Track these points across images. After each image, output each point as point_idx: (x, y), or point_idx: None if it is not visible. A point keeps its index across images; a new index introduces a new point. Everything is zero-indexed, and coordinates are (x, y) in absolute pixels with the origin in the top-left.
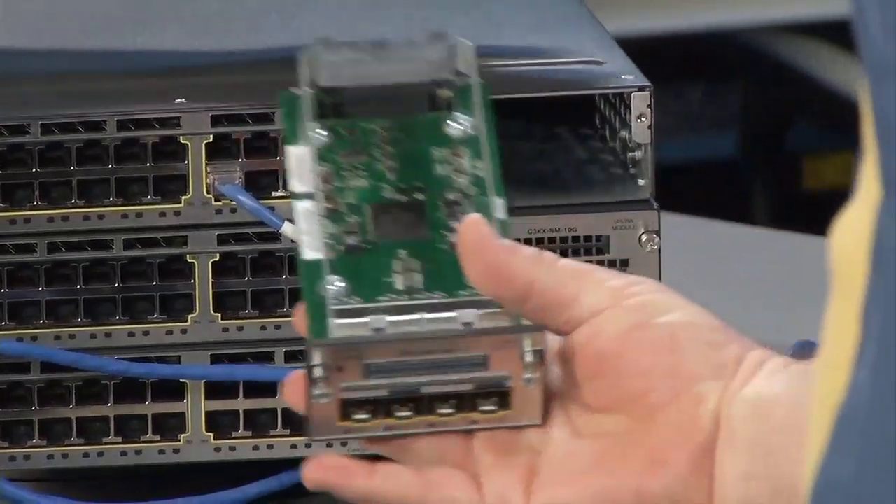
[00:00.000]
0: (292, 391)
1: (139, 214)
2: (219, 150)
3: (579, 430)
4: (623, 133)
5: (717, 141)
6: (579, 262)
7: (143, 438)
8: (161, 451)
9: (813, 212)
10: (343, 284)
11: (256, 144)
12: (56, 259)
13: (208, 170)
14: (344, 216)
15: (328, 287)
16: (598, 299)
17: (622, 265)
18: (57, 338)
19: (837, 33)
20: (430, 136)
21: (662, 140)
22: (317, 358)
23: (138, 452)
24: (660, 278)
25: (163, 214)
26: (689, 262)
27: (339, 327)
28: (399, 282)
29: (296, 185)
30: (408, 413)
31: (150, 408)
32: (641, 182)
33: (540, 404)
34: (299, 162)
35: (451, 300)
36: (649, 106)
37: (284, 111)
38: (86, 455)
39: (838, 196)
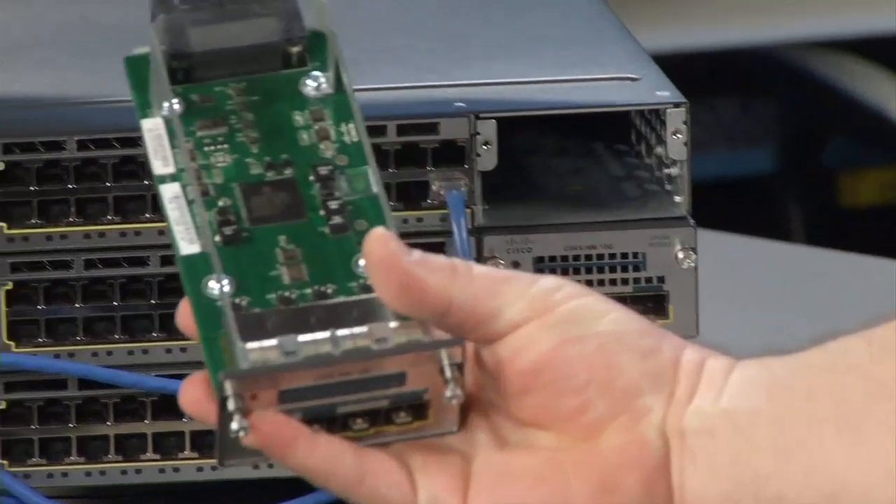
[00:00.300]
0: (193, 397)
1: None
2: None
3: (507, 440)
4: (659, 149)
5: (752, 157)
6: (495, 268)
7: (180, 455)
8: (199, 469)
9: (849, 228)
10: (227, 283)
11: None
12: (93, 275)
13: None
14: (214, 200)
15: (210, 288)
16: (520, 311)
17: (658, 282)
18: (94, 354)
19: (873, 49)
20: (289, 99)
21: (697, 155)
22: (229, 389)
23: (176, 469)
24: (696, 295)
25: None
26: (725, 278)
27: (250, 352)
28: (285, 275)
29: (158, 167)
30: (321, 429)
31: (187, 425)
32: (678, 199)
33: (457, 413)
34: (157, 138)
35: (348, 299)
36: (685, 122)
37: (132, 79)
38: (123, 472)
39: (874, 213)
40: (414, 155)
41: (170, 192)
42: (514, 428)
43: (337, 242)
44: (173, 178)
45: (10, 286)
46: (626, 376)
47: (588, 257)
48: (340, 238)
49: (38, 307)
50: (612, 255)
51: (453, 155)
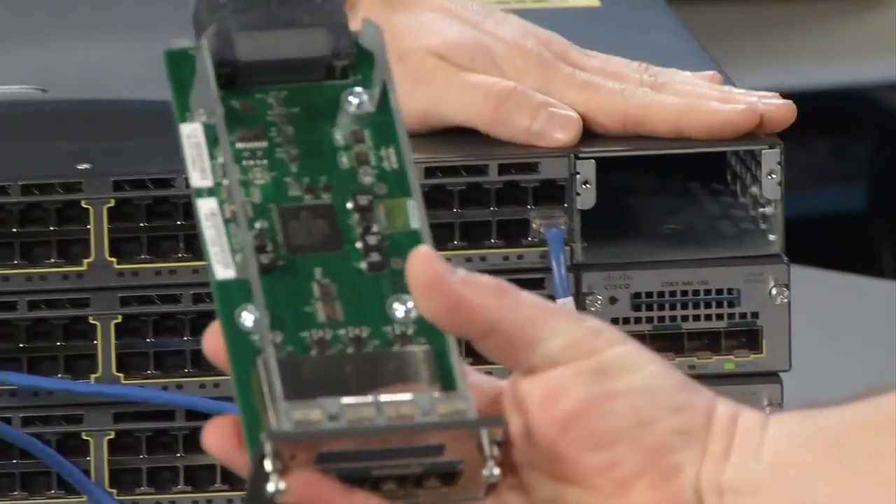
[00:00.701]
0: (220, 440)
1: None
2: None
3: (536, 497)
4: (754, 189)
5: (845, 195)
6: (543, 299)
7: None
8: None
9: None
10: (264, 317)
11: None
12: (200, 309)
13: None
14: (251, 221)
15: (244, 319)
16: (561, 348)
17: (753, 317)
18: (201, 386)
19: None
20: (330, 114)
21: (791, 193)
22: (269, 449)
23: None
24: (789, 331)
25: None
26: (818, 314)
27: (294, 413)
28: (320, 311)
29: (196, 179)
30: (353, 488)
31: None
32: (772, 237)
33: (484, 482)
34: (196, 146)
35: (384, 352)
36: (779, 163)
37: (172, 78)
38: (230, 501)
39: None
40: (515, 194)
41: (206, 208)
42: (542, 483)
43: (373, 281)
44: (210, 192)
45: (119, 319)
46: (656, 433)
47: (684, 293)
48: (377, 276)
49: (147, 340)
50: (708, 292)
51: (553, 193)
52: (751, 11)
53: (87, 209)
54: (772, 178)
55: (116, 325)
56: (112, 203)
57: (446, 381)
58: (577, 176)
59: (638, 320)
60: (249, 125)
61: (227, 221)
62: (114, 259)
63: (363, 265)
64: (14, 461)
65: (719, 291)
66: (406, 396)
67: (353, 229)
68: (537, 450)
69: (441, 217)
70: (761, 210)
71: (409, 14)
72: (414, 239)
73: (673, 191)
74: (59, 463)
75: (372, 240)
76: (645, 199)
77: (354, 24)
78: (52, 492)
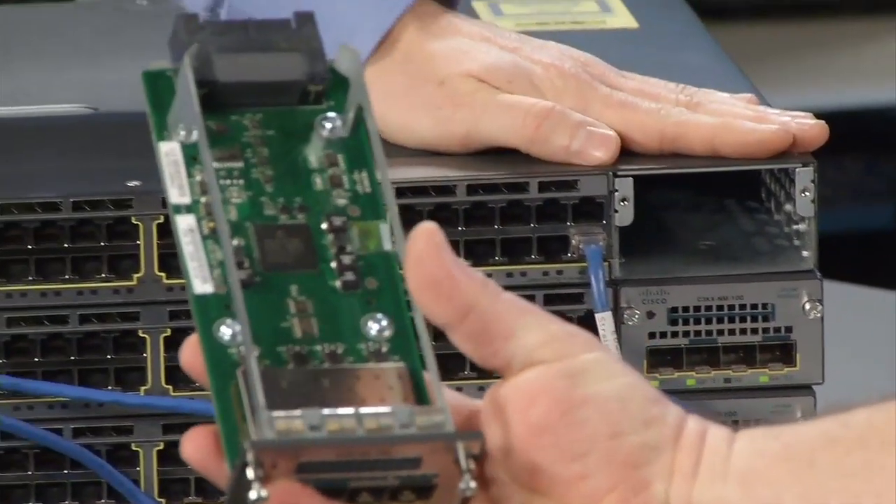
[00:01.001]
0: (198, 450)
1: None
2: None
3: None
4: (788, 206)
5: (877, 212)
6: (521, 299)
7: None
8: None
9: None
10: (241, 331)
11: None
12: None
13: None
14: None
15: (222, 333)
16: (536, 343)
17: (786, 332)
18: None
19: None
20: (304, 137)
21: (824, 210)
22: (251, 457)
23: None
24: (822, 345)
25: None
26: (850, 329)
27: (276, 422)
28: (297, 327)
29: (174, 195)
30: (330, 500)
31: None
32: (805, 253)
33: (459, 496)
34: (174, 164)
35: (359, 367)
36: (813, 181)
37: (150, 96)
38: None
39: None
40: (554, 211)
41: (185, 224)
42: (515, 493)
43: (347, 299)
44: (188, 209)
45: (168, 333)
46: (627, 446)
47: (720, 308)
48: (351, 295)
49: None
50: (743, 306)
51: (592, 211)
52: (786, 32)
53: (137, 225)
54: (805, 195)
55: (165, 338)
56: (161, 219)
57: (421, 397)
58: (616, 193)
59: (675, 334)
60: (225, 145)
61: (204, 238)
62: (163, 274)
63: (338, 284)
64: (65, 471)
65: (754, 306)
66: (385, 409)
67: (327, 249)
68: (513, 459)
69: (482, 233)
70: (795, 227)
71: (447, 40)
72: (388, 259)
73: (709, 208)
74: (109, 473)
75: (346, 259)
76: (681, 216)
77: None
78: (102, 501)
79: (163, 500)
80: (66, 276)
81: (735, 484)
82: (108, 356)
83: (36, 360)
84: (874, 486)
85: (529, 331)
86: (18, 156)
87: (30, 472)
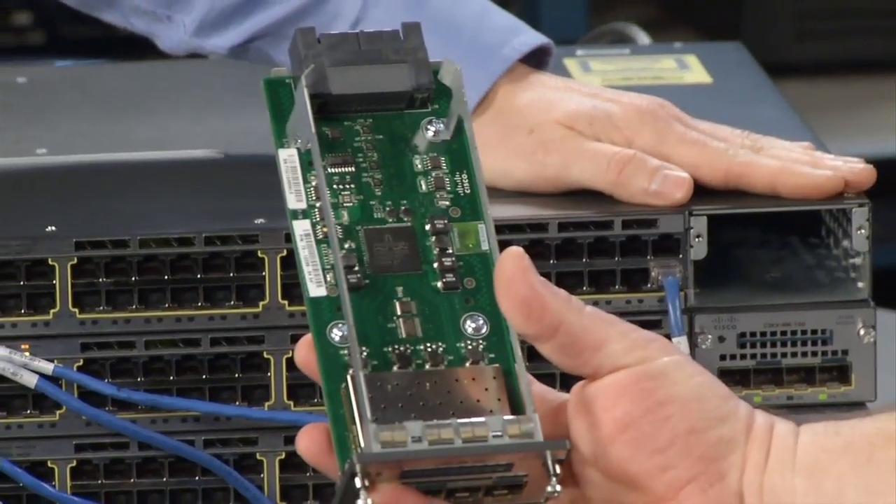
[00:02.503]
0: (311, 447)
1: None
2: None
3: (593, 499)
4: (845, 242)
5: None
6: (607, 313)
7: None
8: None
9: None
10: (349, 332)
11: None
12: None
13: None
14: (341, 242)
15: (334, 336)
16: (621, 352)
17: (843, 354)
18: None
19: None
20: (411, 141)
21: (878, 246)
22: (359, 469)
23: None
24: (875, 366)
25: None
26: None
27: (381, 436)
28: (401, 328)
29: (292, 201)
30: (433, 499)
31: None
32: (860, 284)
33: (546, 495)
34: (293, 170)
35: (459, 369)
36: (868, 220)
37: (270, 105)
38: None
39: None
40: (636, 246)
41: (301, 229)
42: (600, 483)
43: (448, 299)
44: (304, 214)
45: (289, 354)
46: (705, 441)
47: (783, 333)
48: (451, 295)
49: None
50: (804, 332)
51: (670, 246)
52: (844, 87)
53: (263, 258)
54: (861, 232)
55: (287, 359)
56: (284, 252)
57: (514, 402)
58: (691, 230)
59: (743, 357)
60: (339, 150)
61: (318, 242)
62: (285, 301)
63: (439, 284)
64: (196, 478)
65: (814, 332)
66: (480, 419)
67: (430, 250)
68: (599, 453)
69: (572, 266)
70: (851, 261)
71: (534, 91)
72: (485, 260)
73: (774, 244)
74: (236, 480)
75: (447, 261)
76: (750, 252)
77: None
78: None
79: None
80: (199, 304)
81: (802, 476)
82: (236, 375)
83: (171, 378)
84: None
85: (614, 341)
86: (157, 195)
87: (165, 479)
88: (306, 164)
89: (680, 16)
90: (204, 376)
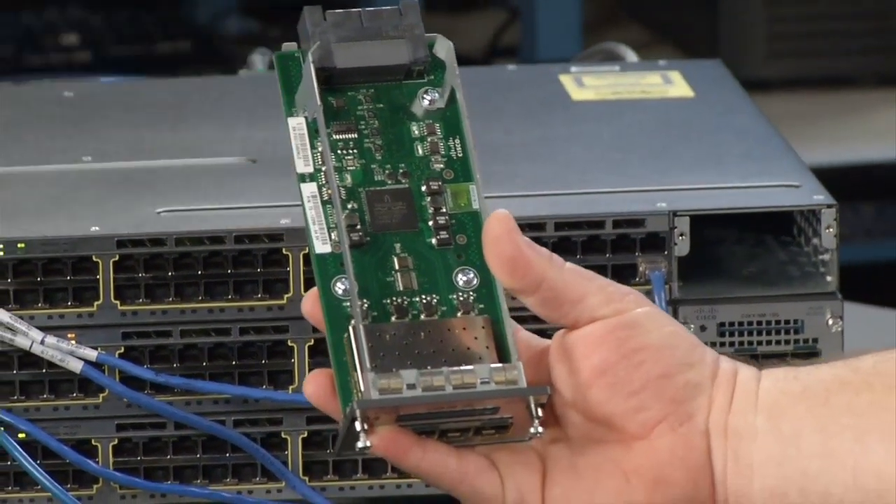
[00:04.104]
0: (318, 392)
1: None
2: None
3: (574, 437)
4: (815, 240)
5: (886, 246)
6: (582, 268)
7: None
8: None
9: None
10: (351, 285)
11: None
12: None
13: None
14: (344, 203)
15: (338, 289)
16: (599, 303)
17: (813, 342)
18: None
19: None
20: (408, 109)
21: (844, 244)
22: (358, 414)
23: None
24: (843, 353)
25: None
26: (865, 342)
27: (380, 384)
28: (399, 282)
29: (300, 165)
30: (426, 438)
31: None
32: (829, 279)
33: (529, 435)
34: (301, 137)
35: (451, 320)
36: (835, 219)
37: (281, 77)
38: (398, 486)
39: None
40: (626, 244)
41: (308, 191)
42: (580, 423)
43: (441, 255)
44: (311, 177)
45: (312, 342)
46: (675, 384)
47: (759, 323)
48: (445, 251)
49: None
50: (778, 322)
51: (656, 243)
52: (813, 101)
53: (287, 255)
54: (829, 231)
55: (309, 346)
56: (306, 251)
57: (501, 350)
58: (675, 229)
59: (722, 344)
60: (343, 118)
61: (324, 203)
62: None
63: (434, 241)
64: (227, 455)
65: (787, 321)
66: (469, 367)
67: (426, 210)
68: (578, 395)
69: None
70: (821, 257)
71: None
72: (475, 218)
73: (751, 242)
74: (264, 456)
75: (441, 219)
76: (729, 249)
77: None
78: (257, 479)
79: (306, 478)
80: (229, 297)
81: (763, 417)
82: (263, 361)
83: (204, 364)
84: (880, 422)
85: (592, 295)
86: (191, 198)
87: (198, 456)
88: (313, 131)
89: (664, 37)
90: (234, 362)
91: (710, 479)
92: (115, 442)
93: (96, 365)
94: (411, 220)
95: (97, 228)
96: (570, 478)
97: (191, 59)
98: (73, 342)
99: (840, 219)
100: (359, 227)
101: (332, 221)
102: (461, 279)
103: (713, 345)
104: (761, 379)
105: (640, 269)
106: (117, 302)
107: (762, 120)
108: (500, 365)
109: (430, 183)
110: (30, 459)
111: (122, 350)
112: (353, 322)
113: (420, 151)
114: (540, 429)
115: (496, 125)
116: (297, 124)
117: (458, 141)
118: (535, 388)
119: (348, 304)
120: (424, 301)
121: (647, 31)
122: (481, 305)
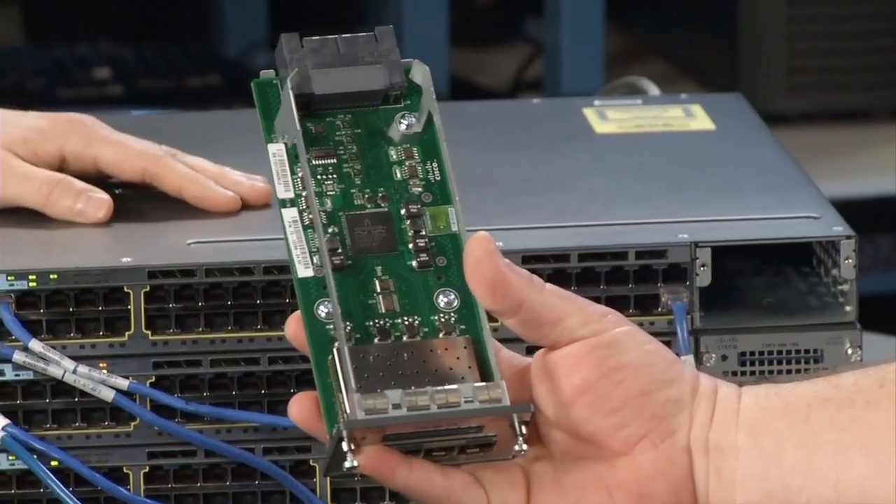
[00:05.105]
0: (303, 413)
1: None
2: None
3: (557, 454)
4: (834, 271)
5: None
6: (561, 289)
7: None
8: None
9: None
10: (334, 308)
11: None
12: None
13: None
14: (325, 227)
15: (321, 312)
16: (578, 324)
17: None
18: None
19: None
20: (386, 134)
21: (863, 275)
22: (345, 434)
23: None
24: None
25: None
26: None
27: (365, 404)
28: (381, 304)
29: (281, 191)
30: (412, 457)
31: None
32: (848, 309)
33: (513, 453)
34: (281, 163)
35: (433, 341)
36: (854, 250)
37: (260, 104)
38: None
39: None
40: (648, 274)
41: (289, 216)
42: (563, 441)
43: (422, 277)
44: (292, 202)
45: None
46: (655, 401)
47: (779, 352)
48: (425, 273)
49: None
50: (798, 351)
51: (678, 274)
52: (832, 134)
53: None
54: (848, 262)
55: None
56: None
57: (484, 369)
58: (697, 260)
59: (743, 373)
60: (322, 144)
61: (305, 227)
62: None
63: (414, 263)
64: (256, 482)
65: (807, 351)
66: (453, 386)
67: (406, 232)
68: (560, 414)
69: (590, 293)
70: (839, 287)
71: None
72: (454, 240)
73: (771, 272)
74: (293, 484)
75: (421, 242)
76: (749, 279)
77: None
78: None
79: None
80: (258, 326)
81: (745, 433)
82: (291, 390)
83: (234, 393)
84: (861, 437)
85: (571, 315)
86: (221, 230)
87: (228, 483)
88: (293, 157)
89: (686, 71)
90: (263, 391)
91: (692, 494)
92: (146, 469)
93: (127, 394)
94: (391, 242)
95: (128, 259)
96: (554, 494)
97: (221, 92)
98: (105, 371)
99: (859, 250)
100: (340, 250)
101: (314, 246)
102: (442, 300)
103: (734, 374)
104: (742, 395)
105: (663, 299)
106: (148, 332)
107: (782, 153)
108: (483, 384)
109: (410, 206)
110: (62, 487)
111: (153, 379)
112: (336, 344)
113: (398, 175)
114: (524, 446)
115: (521, 158)
116: (276, 150)
117: (435, 164)
118: (518, 406)
119: (331, 326)
120: (406, 322)
121: (669, 66)
122: (462, 326)
